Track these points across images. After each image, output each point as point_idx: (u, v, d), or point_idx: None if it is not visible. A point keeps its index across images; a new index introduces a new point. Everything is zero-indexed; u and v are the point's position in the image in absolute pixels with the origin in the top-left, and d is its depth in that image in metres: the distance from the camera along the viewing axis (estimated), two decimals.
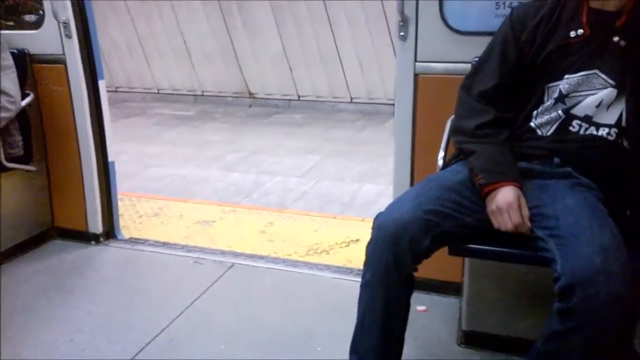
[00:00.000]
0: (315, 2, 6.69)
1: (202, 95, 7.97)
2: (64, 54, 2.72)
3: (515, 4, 1.96)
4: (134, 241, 3.00)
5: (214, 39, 7.45)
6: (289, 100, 7.54)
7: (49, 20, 2.67)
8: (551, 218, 1.43)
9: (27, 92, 2.73)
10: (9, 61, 2.60)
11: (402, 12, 2.10)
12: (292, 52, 7.20)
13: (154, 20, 7.59)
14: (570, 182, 1.54)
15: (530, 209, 1.48)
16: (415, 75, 2.17)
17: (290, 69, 7.32)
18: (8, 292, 2.50)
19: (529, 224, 1.46)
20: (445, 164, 1.78)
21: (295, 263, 2.74)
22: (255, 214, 3.45)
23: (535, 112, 1.61)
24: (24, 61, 2.73)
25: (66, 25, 2.65)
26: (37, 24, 2.74)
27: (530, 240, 1.46)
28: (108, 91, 2.90)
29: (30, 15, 2.76)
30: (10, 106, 2.56)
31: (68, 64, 2.73)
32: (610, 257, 1.28)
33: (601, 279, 1.25)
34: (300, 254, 2.86)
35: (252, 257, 2.81)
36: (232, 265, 2.71)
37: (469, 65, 1.95)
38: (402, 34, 2.14)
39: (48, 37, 2.71)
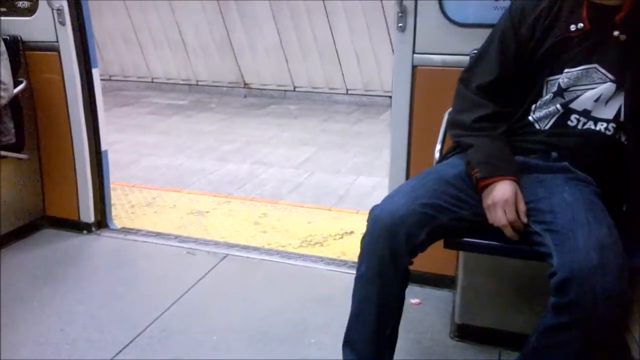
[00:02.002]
0: None
1: (197, 84, 7.92)
2: (57, 41, 2.68)
3: None
4: (126, 231, 2.98)
5: (210, 28, 7.39)
6: (285, 91, 7.51)
7: (42, 6, 2.64)
8: (548, 213, 1.42)
9: (20, 79, 2.70)
10: (1, 47, 2.57)
11: (401, 3, 2.08)
12: (289, 43, 7.16)
13: (149, 9, 7.51)
14: (567, 176, 1.53)
15: (526, 203, 1.47)
16: (413, 67, 2.15)
17: (286, 59, 7.28)
18: None
19: (525, 219, 1.45)
20: (442, 157, 1.77)
21: (288, 255, 2.73)
22: (250, 205, 3.44)
23: (533, 106, 1.60)
24: (16, 48, 2.70)
25: (60, 12, 2.61)
26: (30, 11, 2.70)
27: (526, 234, 1.46)
28: (102, 80, 2.87)
29: (23, 2, 2.71)
30: (2, 93, 2.53)
31: (61, 52, 2.69)
32: (607, 253, 1.28)
33: (597, 274, 1.25)
34: (294, 246, 2.85)
35: (245, 248, 2.79)
36: (226, 256, 2.69)
37: (467, 58, 1.94)
38: (400, 25, 2.12)
39: (41, 24, 2.68)
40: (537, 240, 1.41)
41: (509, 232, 1.45)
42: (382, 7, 6.40)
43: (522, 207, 1.45)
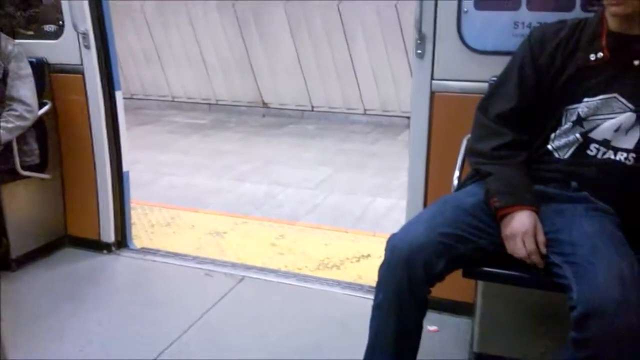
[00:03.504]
0: (331, 13, 6.72)
1: (217, 104, 8.00)
2: (82, 64, 2.74)
3: (534, 24, 1.94)
4: (145, 251, 3.01)
5: (230, 48, 7.50)
6: (303, 110, 7.55)
7: (68, 30, 2.70)
8: (567, 244, 1.42)
9: (45, 101, 2.76)
10: (28, 70, 2.64)
11: (419, 30, 2.10)
12: (307, 63, 7.23)
13: (171, 29, 7.65)
14: (588, 207, 1.52)
15: (546, 233, 1.46)
16: (432, 93, 2.16)
17: (305, 79, 7.34)
18: (19, 299, 2.51)
19: (544, 250, 1.44)
20: (461, 185, 1.77)
21: (305, 278, 2.73)
22: (267, 226, 3.45)
23: (553, 135, 1.60)
24: (42, 70, 2.77)
25: (85, 36, 2.68)
26: (56, 34, 2.77)
27: (545, 265, 1.45)
28: (124, 98, 2.92)
29: (50, 26, 2.79)
30: (27, 115, 2.59)
31: (86, 74, 2.75)
32: (628, 287, 1.26)
33: (619, 309, 1.23)
34: (311, 268, 2.85)
35: (262, 270, 2.80)
36: (243, 278, 2.70)
37: (486, 84, 1.95)
38: (419, 51, 2.13)
39: (67, 47, 2.74)
40: (556, 272, 1.41)
41: (530, 261, 1.45)
42: (400, 28, 6.44)
43: (541, 238, 1.45)
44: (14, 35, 2.77)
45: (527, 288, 1.62)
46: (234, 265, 2.85)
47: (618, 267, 1.30)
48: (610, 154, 1.53)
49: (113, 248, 2.97)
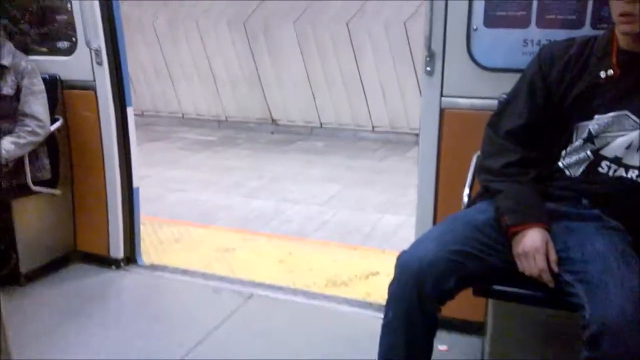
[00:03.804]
0: (340, 31, 6.78)
1: (226, 120, 8.06)
2: (94, 80, 2.77)
3: (543, 42, 1.95)
4: (154, 267, 3.00)
5: (239, 65, 7.57)
6: (311, 127, 7.59)
7: (81, 47, 2.73)
8: (579, 262, 1.40)
9: (57, 117, 2.78)
10: (40, 86, 2.67)
11: (429, 48, 2.10)
12: (316, 80, 7.27)
13: (182, 46, 7.74)
14: (599, 224, 1.50)
15: (557, 252, 1.45)
16: (441, 110, 2.16)
17: (314, 96, 7.38)
18: (28, 314, 2.51)
19: (556, 268, 1.42)
20: (471, 202, 1.76)
21: (314, 295, 2.71)
22: (275, 243, 3.44)
23: (563, 152, 1.59)
24: (55, 87, 2.79)
25: (98, 52, 2.70)
26: (69, 51, 2.80)
27: (557, 284, 1.43)
28: (135, 115, 2.94)
29: (63, 42, 2.82)
30: (39, 130, 2.62)
31: (98, 91, 2.77)
32: None
33: (632, 327, 1.22)
34: (319, 286, 2.83)
35: (270, 287, 2.78)
36: (251, 295, 2.69)
37: (495, 101, 1.94)
38: (428, 69, 2.14)
39: (79, 64, 2.77)
40: (568, 291, 1.39)
41: (541, 279, 1.43)
42: (409, 46, 6.48)
43: (552, 256, 1.43)
44: (27, 51, 2.80)
45: (539, 307, 1.59)
46: (242, 282, 2.84)
47: (630, 284, 1.28)
48: (621, 172, 1.52)
49: (122, 264, 2.97)
